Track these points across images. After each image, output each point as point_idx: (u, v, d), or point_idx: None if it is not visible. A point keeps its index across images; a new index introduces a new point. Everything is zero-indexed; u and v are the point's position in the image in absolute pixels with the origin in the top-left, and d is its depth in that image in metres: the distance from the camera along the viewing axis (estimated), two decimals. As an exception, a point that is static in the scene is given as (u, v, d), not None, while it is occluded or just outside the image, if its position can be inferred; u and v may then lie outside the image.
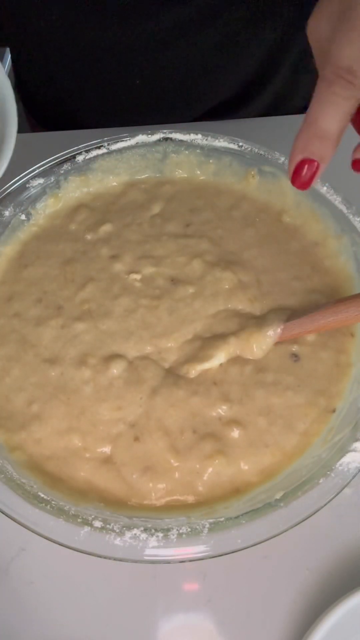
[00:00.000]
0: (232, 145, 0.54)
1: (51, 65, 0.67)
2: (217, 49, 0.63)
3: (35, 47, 0.66)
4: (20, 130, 0.74)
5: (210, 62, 0.65)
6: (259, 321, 0.46)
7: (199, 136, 0.54)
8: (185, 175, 0.57)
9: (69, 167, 0.54)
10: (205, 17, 0.60)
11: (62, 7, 0.59)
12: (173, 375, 0.45)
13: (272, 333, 0.45)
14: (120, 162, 0.55)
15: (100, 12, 0.59)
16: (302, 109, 0.76)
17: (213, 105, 0.69)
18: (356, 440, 0.39)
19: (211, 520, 0.37)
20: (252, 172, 0.54)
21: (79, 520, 0.37)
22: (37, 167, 0.53)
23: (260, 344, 0.45)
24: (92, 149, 0.54)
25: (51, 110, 0.74)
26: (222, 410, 0.43)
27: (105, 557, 0.36)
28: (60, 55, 0.65)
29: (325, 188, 0.51)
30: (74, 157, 0.54)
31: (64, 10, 0.59)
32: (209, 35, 0.62)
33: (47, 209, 0.54)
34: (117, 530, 0.37)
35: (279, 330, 0.45)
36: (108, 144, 0.54)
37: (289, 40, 0.66)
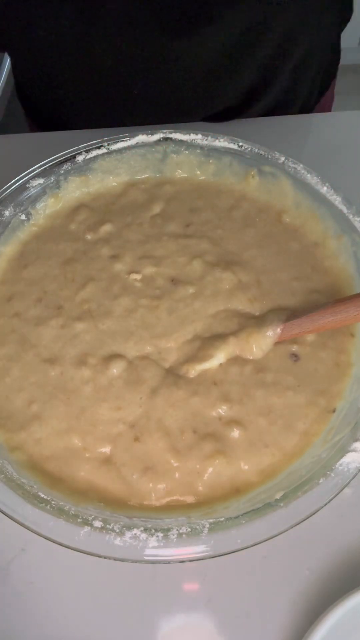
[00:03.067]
0: (232, 145, 0.54)
1: (51, 72, 0.67)
2: (216, 62, 0.64)
3: (36, 55, 0.66)
4: (20, 130, 0.74)
5: (210, 74, 0.65)
6: (258, 321, 0.46)
7: (199, 136, 0.54)
8: (185, 175, 0.57)
9: (69, 167, 0.54)
10: (206, 31, 0.60)
11: (66, 19, 0.59)
12: (173, 375, 0.45)
13: (272, 333, 0.45)
14: (120, 162, 0.55)
15: (103, 26, 0.59)
16: (301, 109, 0.76)
17: (211, 113, 0.69)
18: (356, 440, 0.39)
19: (211, 520, 0.37)
20: (252, 173, 0.54)
21: (79, 520, 0.37)
22: (37, 167, 0.53)
23: (260, 344, 0.45)
24: (92, 149, 0.54)
25: (50, 114, 0.74)
26: (222, 410, 0.43)
27: (105, 557, 0.36)
28: (61, 64, 0.66)
29: (325, 188, 0.51)
30: (74, 157, 0.54)
31: (67, 22, 0.60)
32: (209, 48, 0.62)
33: (47, 209, 0.54)
34: (117, 530, 0.37)
35: (278, 330, 0.45)
36: (108, 144, 0.54)
37: (289, 48, 0.66)
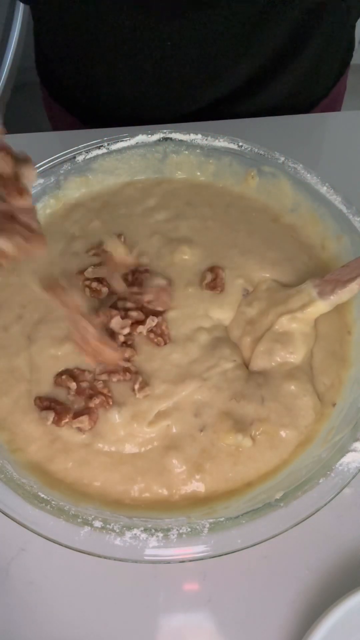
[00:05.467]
0: (232, 145, 0.54)
1: (70, 38, 0.68)
2: (233, 35, 0.63)
3: (58, 20, 0.67)
4: (22, 127, 0.74)
5: (225, 47, 0.64)
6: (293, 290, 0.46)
7: (199, 136, 0.54)
8: (185, 176, 0.56)
9: (69, 167, 0.54)
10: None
11: None
12: None
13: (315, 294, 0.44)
14: (120, 162, 0.55)
15: None
16: (308, 108, 0.75)
17: (218, 96, 0.69)
18: (356, 440, 0.39)
19: (211, 520, 0.37)
20: (252, 173, 0.54)
21: (79, 520, 0.37)
22: (37, 167, 0.53)
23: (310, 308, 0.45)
24: (92, 149, 0.54)
25: (66, 82, 0.75)
26: (223, 410, 0.43)
27: (105, 557, 0.36)
28: (80, 31, 0.66)
29: (325, 188, 0.50)
30: (74, 157, 0.54)
31: None
32: (226, 19, 0.61)
33: (47, 209, 0.54)
34: (117, 530, 0.37)
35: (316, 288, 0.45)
36: (108, 144, 0.54)
37: (309, 27, 0.65)
